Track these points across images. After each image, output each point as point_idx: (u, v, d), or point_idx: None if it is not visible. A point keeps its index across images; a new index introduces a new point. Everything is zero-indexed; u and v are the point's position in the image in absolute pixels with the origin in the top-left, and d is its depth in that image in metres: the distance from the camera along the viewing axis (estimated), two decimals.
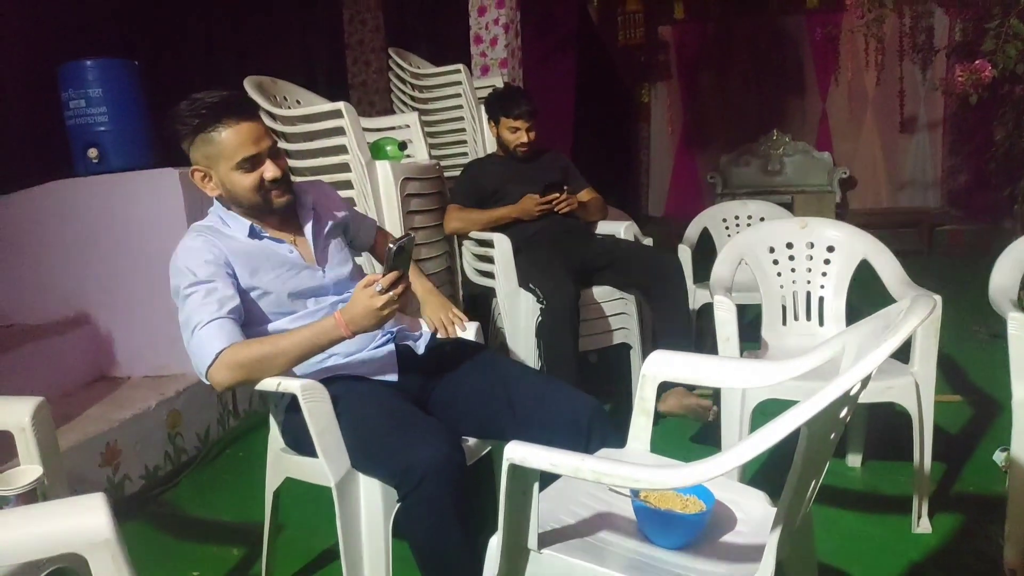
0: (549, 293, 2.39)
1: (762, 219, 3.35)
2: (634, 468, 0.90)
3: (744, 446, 0.82)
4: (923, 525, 1.87)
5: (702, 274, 2.69)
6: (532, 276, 2.50)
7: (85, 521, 0.86)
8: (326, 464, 1.42)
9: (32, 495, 1.19)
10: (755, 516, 1.19)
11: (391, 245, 1.35)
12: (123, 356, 2.75)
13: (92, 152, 2.68)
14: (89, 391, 2.61)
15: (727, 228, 3.44)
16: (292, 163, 2.37)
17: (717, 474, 0.83)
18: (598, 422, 1.49)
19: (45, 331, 2.62)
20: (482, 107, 3.12)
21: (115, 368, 2.76)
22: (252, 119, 1.47)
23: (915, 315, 0.89)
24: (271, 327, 1.53)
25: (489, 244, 2.69)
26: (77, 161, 2.73)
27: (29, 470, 1.23)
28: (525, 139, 2.81)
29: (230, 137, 1.44)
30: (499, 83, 4.08)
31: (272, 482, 1.68)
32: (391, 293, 1.36)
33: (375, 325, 1.40)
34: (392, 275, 1.35)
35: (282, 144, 2.47)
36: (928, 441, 1.85)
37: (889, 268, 2.07)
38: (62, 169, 2.76)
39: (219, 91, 1.47)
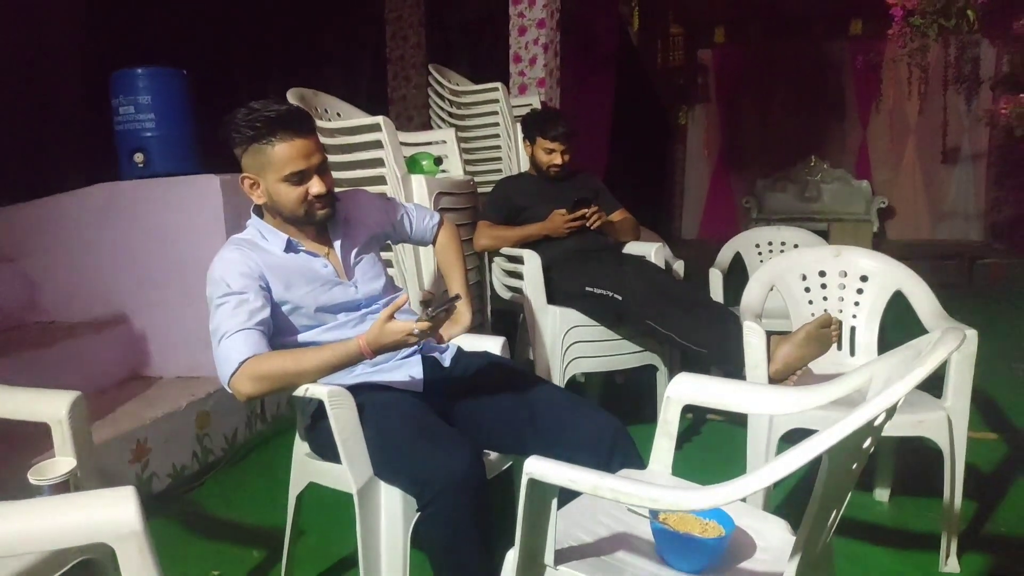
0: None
1: (796, 246, 3.32)
2: (652, 488, 0.90)
3: (762, 472, 0.82)
4: (951, 564, 1.82)
5: (733, 299, 2.68)
6: None
7: (115, 513, 0.88)
8: (349, 471, 1.44)
9: (65, 486, 1.22)
10: (775, 544, 1.17)
11: (431, 310, 1.36)
12: (156, 356, 2.81)
13: (138, 157, 2.76)
14: (122, 389, 2.67)
15: (760, 253, 3.41)
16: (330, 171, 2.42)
17: (734, 498, 0.83)
18: (620, 442, 1.49)
19: (83, 329, 2.69)
20: (518, 125, 3.15)
21: (148, 368, 2.82)
22: (306, 135, 1.51)
23: (944, 347, 0.88)
24: (300, 338, 1.56)
25: (519, 260, 2.70)
26: (123, 165, 2.81)
27: (63, 462, 1.26)
28: (559, 160, 2.84)
29: (282, 151, 1.48)
30: (536, 102, 4.12)
31: (296, 486, 1.71)
32: (419, 336, 1.37)
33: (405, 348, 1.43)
34: (426, 325, 1.35)
35: None
36: (960, 478, 1.81)
37: (924, 300, 2.03)
38: (109, 172, 2.85)
39: (278, 104, 1.51)
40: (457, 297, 1.42)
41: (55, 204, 2.83)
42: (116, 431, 2.24)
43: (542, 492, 1.01)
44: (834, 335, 1.97)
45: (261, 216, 1.63)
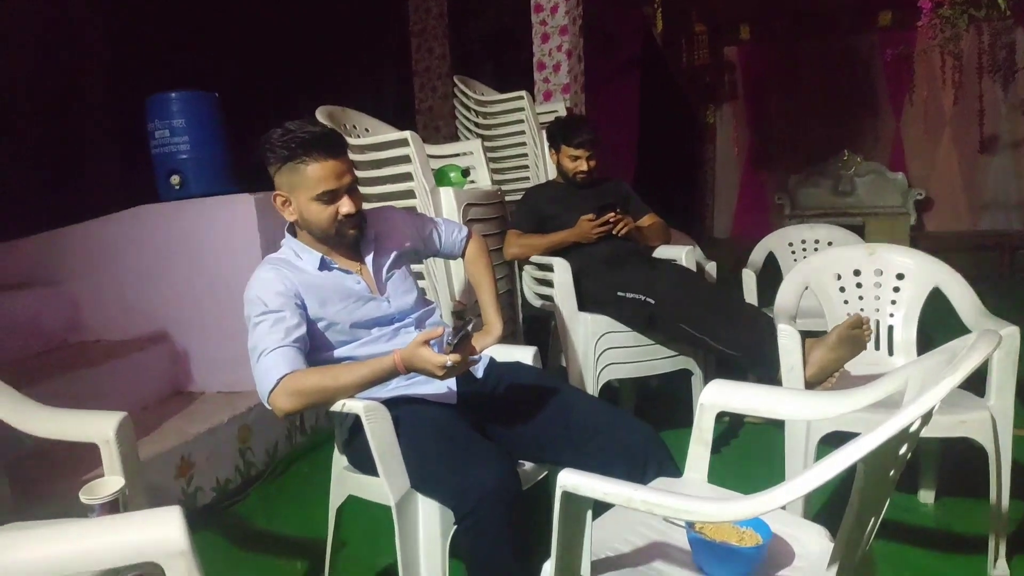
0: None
1: (829, 243, 3.28)
2: (686, 500, 0.90)
3: (797, 482, 0.82)
4: (1000, 567, 1.78)
5: (767, 299, 2.65)
6: None
7: (163, 532, 0.91)
8: (386, 484, 1.46)
9: (115, 505, 1.26)
10: (813, 551, 1.16)
11: (451, 339, 1.37)
12: (198, 372, 2.88)
13: (174, 178, 2.84)
14: (166, 405, 2.74)
15: (793, 252, 3.37)
16: (360, 189, 2.46)
17: (769, 509, 0.82)
18: (655, 450, 1.49)
19: (128, 347, 2.77)
20: (544, 133, 3.16)
21: (190, 384, 2.89)
22: (338, 157, 1.54)
23: (978, 351, 0.87)
24: (336, 353, 1.59)
25: (549, 268, 2.71)
26: (161, 187, 2.89)
27: (112, 481, 1.30)
28: (585, 167, 2.84)
29: (315, 171, 1.51)
30: (561, 109, 4.12)
31: (335, 499, 1.74)
32: (453, 366, 1.38)
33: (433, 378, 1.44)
34: (455, 357, 1.37)
35: None
36: (1007, 478, 1.77)
37: (963, 296, 1.99)
38: (147, 194, 2.93)
39: (312, 126, 1.55)
40: (471, 321, 1.43)
41: (96, 227, 2.92)
42: (161, 447, 2.30)
43: (577, 505, 1.02)
44: (866, 335, 1.94)
45: (295, 235, 1.67)
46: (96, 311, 2.94)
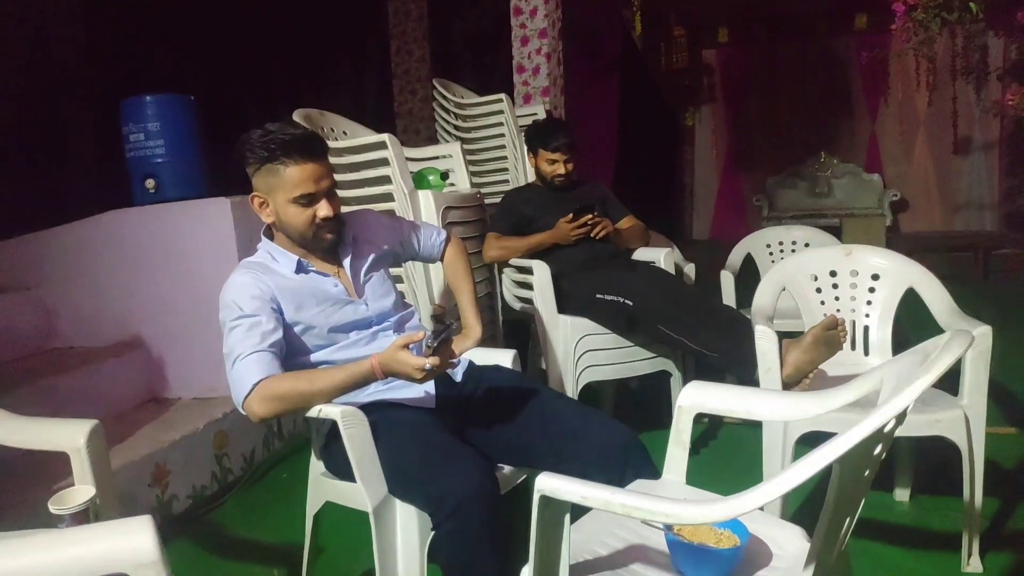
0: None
1: (807, 245, 3.31)
2: (663, 502, 0.90)
3: (773, 483, 0.82)
4: (974, 564, 1.80)
5: (745, 300, 2.67)
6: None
7: (133, 542, 0.89)
8: (364, 489, 1.45)
9: (85, 515, 1.23)
10: (791, 552, 1.17)
11: (431, 341, 1.36)
12: (174, 378, 2.84)
13: (149, 183, 2.80)
14: (140, 412, 2.70)
15: (771, 254, 3.40)
16: (338, 193, 2.44)
17: (745, 511, 0.83)
18: (634, 452, 1.49)
19: (101, 354, 2.73)
20: (523, 136, 3.16)
21: (165, 390, 2.85)
22: (317, 160, 1.53)
23: (950, 352, 0.88)
24: (313, 358, 1.58)
25: (529, 271, 2.71)
26: (135, 191, 2.85)
27: (82, 490, 1.28)
28: (563, 171, 2.84)
29: (293, 173, 1.50)
30: (541, 111, 4.13)
31: (313, 505, 1.72)
32: (432, 369, 1.37)
33: (412, 382, 1.44)
34: (435, 359, 1.36)
35: None
36: (979, 475, 1.79)
37: (937, 297, 2.02)
38: (122, 198, 2.89)
39: (293, 128, 1.54)
40: (450, 325, 1.42)
41: (70, 232, 2.87)
42: (135, 455, 2.27)
43: (554, 509, 1.01)
44: (841, 336, 1.96)
45: (271, 238, 1.65)
46: (70, 317, 2.90)
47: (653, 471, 1.47)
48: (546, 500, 1.00)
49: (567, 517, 1.04)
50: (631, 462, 1.46)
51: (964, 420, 1.75)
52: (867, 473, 0.98)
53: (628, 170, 5.98)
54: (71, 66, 3.77)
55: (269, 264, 1.61)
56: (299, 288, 1.58)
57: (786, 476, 0.83)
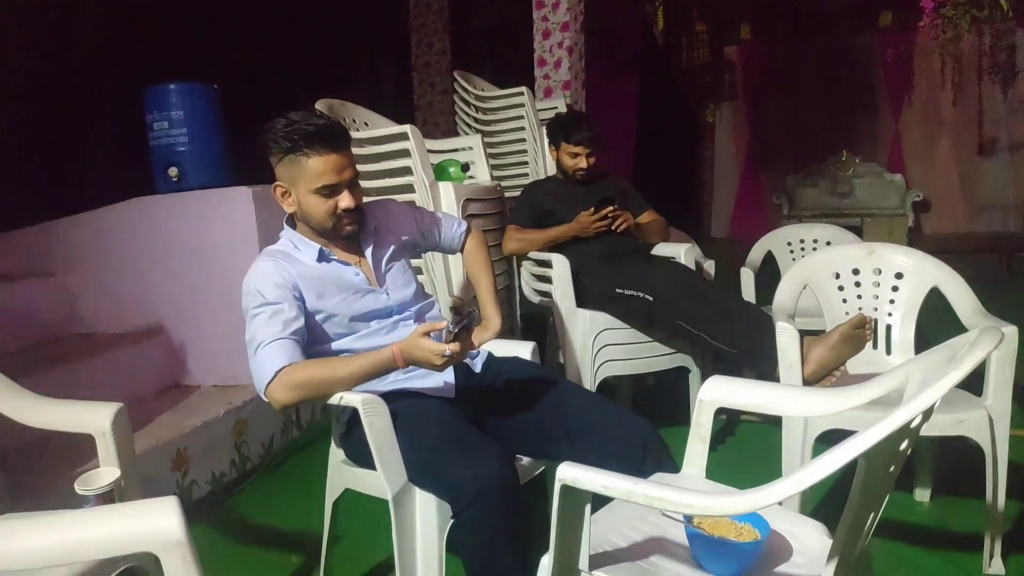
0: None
1: (828, 243, 3.27)
2: (686, 493, 0.90)
3: (795, 477, 0.82)
4: (995, 566, 1.79)
5: (765, 298, 2.65)
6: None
7: (159, 523, 0.91)
8: (384, 477, 1.46)
9: (110, 496, 1.25)
10: (812, 548, 1.16)
11: (452, 327, 1.37)
12: (194, 366, 2.87)
13: (172, 171, 2.83)
14: (162, 398, 2.73)
15: (791, 252, 3.37)
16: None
17: (767, 504, 0.82)
18: (653, 446, 1.49)
19: (123, 340, 2.76)
20: (544, 129, 3.16)
21: (186, 377, 2.88)
22: (340, 151, 1.53)
23: (980, 348, 0.87)
24: (335, 346, 1.59)
25: (548, 265, 2.71)
26: (158, 179, 2.88)
27: (107, 472, 1.30)
28: (584, 164, 2.83)
29: (316, 164, 1.51)
30: (562, 105, 4.12)
31: (332, 493, 1.73)
32: (452, 356, 1.38)
33: (431, 370, 1.45)
34: (456, 345, 1.37)
35: None
36: (1003, 477, 1.77)
37: (961, 296, 1.99)
38: (145, 186, 2.92)
39: (317, 118, 1.54)
40: (472, 313, 1.43)
41: (93, 219, 2.90)
42: (157, 440, 2.29)
43: (575, 498, 1.02)
44: (868, 335, 1.94)
45: (294, 227, 1.66)
46: (92, 303, 2.93)
47: (672, 465, 1.47)
48: (567, 489, 1.00)
49: (588, 507, 1.04)
50: (650, 455, 1.46)
51: (988, 421, 1.73)
52: (892, 469, 0.97)
53: (647, 166, 5.96)
54: (96, 54, 3.80)
55: (291, 252, 1.62)
56: (321, 276, 1.59)
57: (811, 469, 0.83)
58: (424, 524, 1.48)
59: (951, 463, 2.17)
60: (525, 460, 1.62)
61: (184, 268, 2.79)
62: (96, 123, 3.84)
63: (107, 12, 3.82)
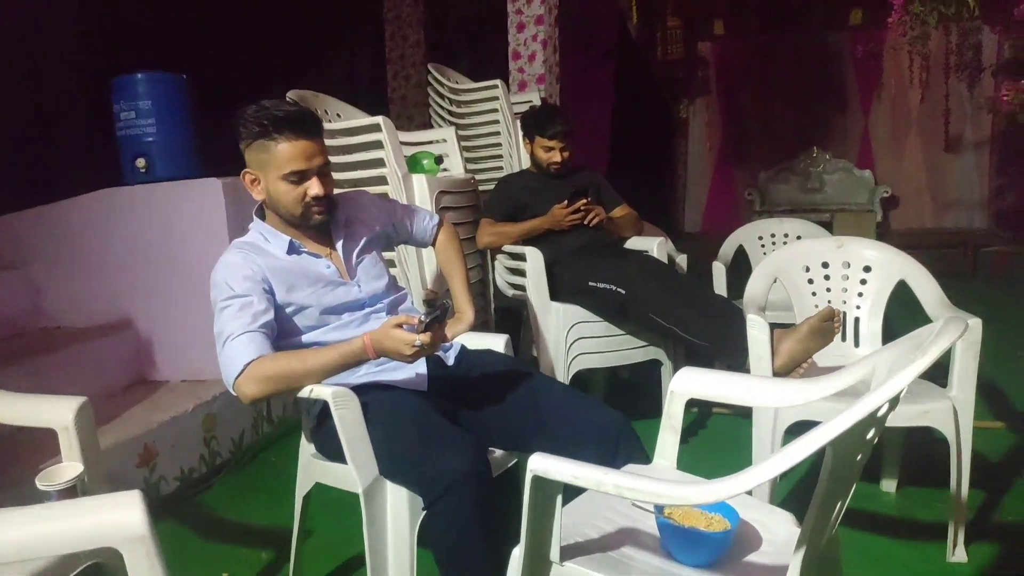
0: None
1: (798, 237, 3.31)
2: (656, 483, 0.90)
3: (765, 466, 0.82)
4: (959, 554, 1.82)
5: (736, 292, 2.68)
6: None
7: (122, 517, 0.89)
8: (355, 470, 1.45)
9: (72, 492, 1.23)
10: (780, 537, 1.17)
11: (424, 318, 1.36)
12: (162, 360, 2.82)
13: (140, 162, 2.77)
14: (129, 393, 2.68)
15: (763, 246, 3.40)
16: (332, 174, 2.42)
17: (737, 492, 0.83)
18: (625, 437, 1.50)
19: (89, 334, 2.70)
20: (518, 122, 3.15)
21: (154, 372, 2.83)
22: (310, 137, 1.51)
23: (945, 337, 0.88)
24: (305, 338, 1.57)
25: (522, 257, 2.70)
26: (126, 170, 2.82)
27: (70, 467, 1.27)
28: (559, 158, 2.83)
29: (285, 150, 1.49)
30: (536, 99, 4.11)
31: (302, 487, 1.71)
32: (423, 347, 1.37)
33: (402, 361, 1.43)
34: (427, 336, 1.36)
35: None
36: (966, 467, 1.81)
37: (928, 290, 2.03)
38: (112, 177, 2.86)
39: (289, 105, 1.52)
40: (445, 305, 1.42)
41: (59, 210, 2.84)
42: (123, 435, 2.25)
43: (546, 489, 1.02)
44: (837, 328, 1.97)
45: (263, 218, 1.64)
46: (57, 296, 2.87)
47: (644, 456, 1.47)
48: (538, 480, 1.00)
49: (559, 498, 1.04)
50: (622, 446, 1.46)
51: (953, 411, 1.77)
52: (859, 457, 0.98)
53: (622, 161, 5.98)
54: (63, 43, 3.71)
55: (261, 244, 1.60)
56: (291, 269, 1.57)
57: (779, 458, 0.83)
58: (395, 517, 1.47)
59: (917, 454, 2.21)
60: (498, 452, 1.62)
61: (152, 261, 2.74)
62: (62, 113, 3.76)
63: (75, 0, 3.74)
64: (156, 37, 3.85)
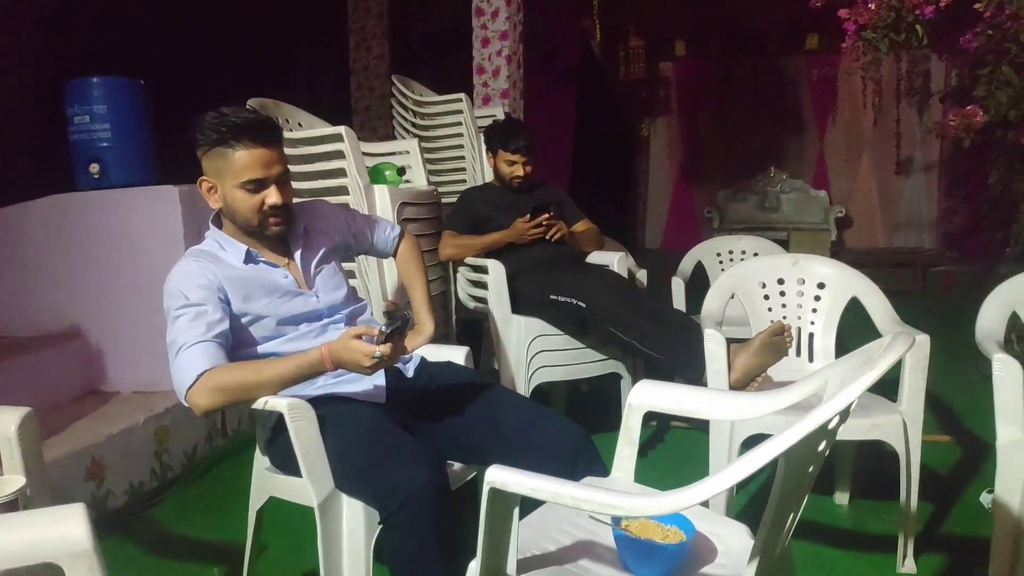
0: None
1: (755, 254, 3.37)
2: (612, 495, 0.91)
3: (718, 477, 0.83)
4: (908, 565, 1.86)
5: (695, 307, 2.71)
6: None
7: (64, 531, 0.86)
8: (310, 484, 1.42)
9: (13, 506, 1.18)
10: (735, 548, 1.19)
11: (384, 329, 1.35)
12: (113, 371, 2.75)
13: (94, 167, 2.71)
14: (78, 405, 2.60)
15: (721, 262, 3.46)
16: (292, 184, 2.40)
17: (692, 503, 0.83)
18: (584, 450, 1.50)
19: (36, 344, 2.62)
20: (482, 136, 3.16)
21: (105, 383, 2.75)
22: (268, 146, 1.49)
23: (893, 351, 0.91)
24: (260, 349, 1.54)
25: (483, 270, 2.71)
26: (79, 176, 2.75)
27: (11, 480, 1.22)
28: (521, 172, 2.86)
29: (242, 157, 1.47)
30: (500, 113, 4.13)
31: (256, 501, 1.68)
32: (382, 358, 1.35)
33: (360, 373, 1.41)
34: (387, 347, 1.34)
35: None
36: (915, 480, 1.85)
37: (879, 306, 2.08)
38: (64, 183, 2.78)
39: (248, 113, 1.51)
40: (406, 316, 1.41)
41: (6, 216, 2.76)
42: (70, 448, 2.18)
43: (504, 501, 1.01)
44: (788, 342, 2.01)
45: (220, 227, 1.61)
46: (3, 304, 2.78)
47: (602, 469, 1.48)
48: (496, 493, 1.00)
49: (516, 511, 1.04)
50: (581, 459, 1.46)
51: (902, 425, 1.81)
52: (811, 469, 1.00)
53: (584, 177, 6.03)
54: (15, 43, 3.62)
55: (217, 253, 1.57)
56: (247, 278, 1.54)
57: (732, 469, 0.84)
58: (351, 531, 1.45)
59: (869, 467, 2.26)
60: (456, 466, 1.61)
61: (104, 269, 2.68)
62: (11, 115, 3.65)
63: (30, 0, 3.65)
64: (114, 41, 3.77)
